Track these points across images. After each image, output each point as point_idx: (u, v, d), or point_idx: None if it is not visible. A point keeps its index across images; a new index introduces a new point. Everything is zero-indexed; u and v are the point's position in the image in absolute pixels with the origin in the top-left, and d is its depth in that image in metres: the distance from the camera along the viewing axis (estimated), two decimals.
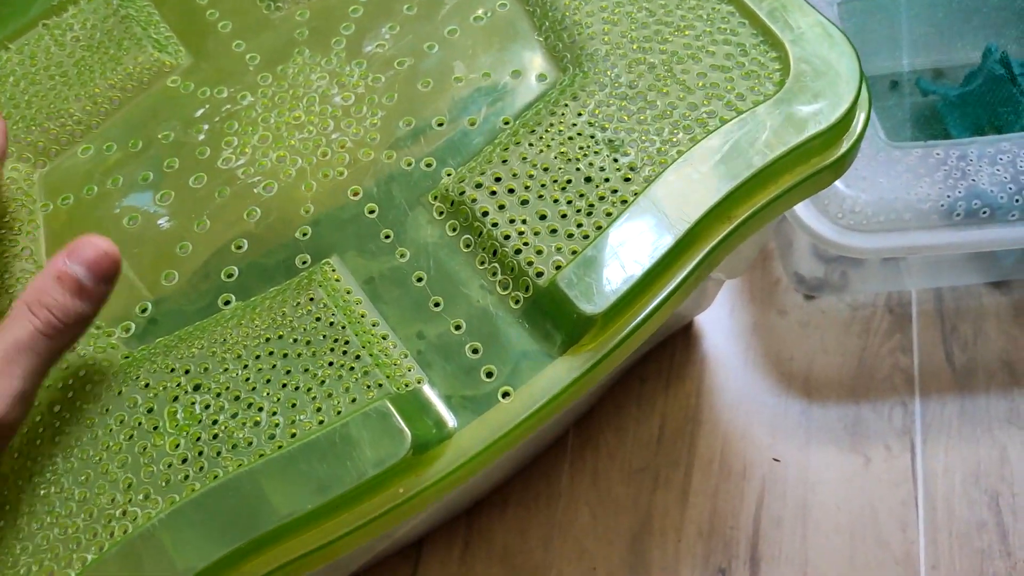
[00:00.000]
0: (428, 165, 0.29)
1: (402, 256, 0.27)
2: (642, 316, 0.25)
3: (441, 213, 0.28)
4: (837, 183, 0.34)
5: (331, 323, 0.26)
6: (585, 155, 0.28)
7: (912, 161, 0.38)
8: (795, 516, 0.40)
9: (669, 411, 0.43)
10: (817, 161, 0.27)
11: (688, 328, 0.45)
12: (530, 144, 0.28)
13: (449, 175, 0.28)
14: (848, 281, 0.45)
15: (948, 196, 0.37)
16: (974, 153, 0.38)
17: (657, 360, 0.44)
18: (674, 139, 0.27)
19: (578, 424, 0.42)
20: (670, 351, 0.44)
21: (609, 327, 0.25)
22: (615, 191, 0.27)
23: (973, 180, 0.37)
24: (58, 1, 0.33)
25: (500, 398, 0.25)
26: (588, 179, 0.27)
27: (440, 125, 0.29)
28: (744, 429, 0.42)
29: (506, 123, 0.29)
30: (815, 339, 0.44)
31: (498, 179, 0.27)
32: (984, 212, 0.37)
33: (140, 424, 0.24)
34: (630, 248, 0.25)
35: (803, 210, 0.38)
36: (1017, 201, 0.37)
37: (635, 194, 0.27)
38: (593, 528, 0.40)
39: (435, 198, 0.28)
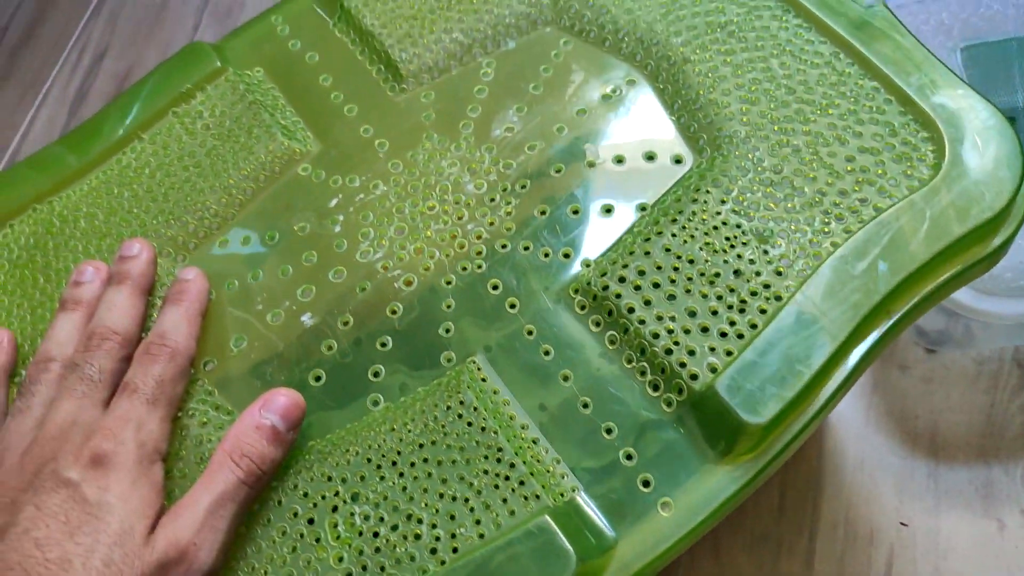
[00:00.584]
0: (566, 256, 0.28)
1: (546, 353, 0.27)
2: (805, 421, 0.24)
3: (583, 307, 0.27)
4: None
5: (483, 428, 0.25)
6: (732, 246, 0.27)
7: None
8: None
9: (789, 475, 0.42)
10: (977, 251, 0.26)
11: None
12: (673, 234, 0.27)
13: (588, 266, 0.28)
14: (972, 335, 0.43)
15: None
16: None
17: None
18: (826, 229, 0.26)
19: None
20: None
21: (772, 433, 0.24)
22: (767, 286, 0.26)
23: None
24: (186, 88, 0.33)
25: (659, 509, 0.24)
26: (737, 272, 0.26)
27: (575, 213, 0.29)
28: (869, 492, 0.41)
29: (643, 209, 0.29)
30: (940, 396, 0.43)
31: (642, 272, 0.27)
32: None
33: (302, 536, 0.24)
34: (789, 350, 0.25)
35: None
36: None
37: (790, 290, 0.26)
38: None
39: (576, 291, 0.27)
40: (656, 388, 0.26)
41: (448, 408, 0.26)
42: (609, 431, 0.25)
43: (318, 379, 0.27)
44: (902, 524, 0.40)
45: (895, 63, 0.29)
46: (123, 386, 0.26)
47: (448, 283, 0.28)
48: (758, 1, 0.31)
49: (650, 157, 0.30)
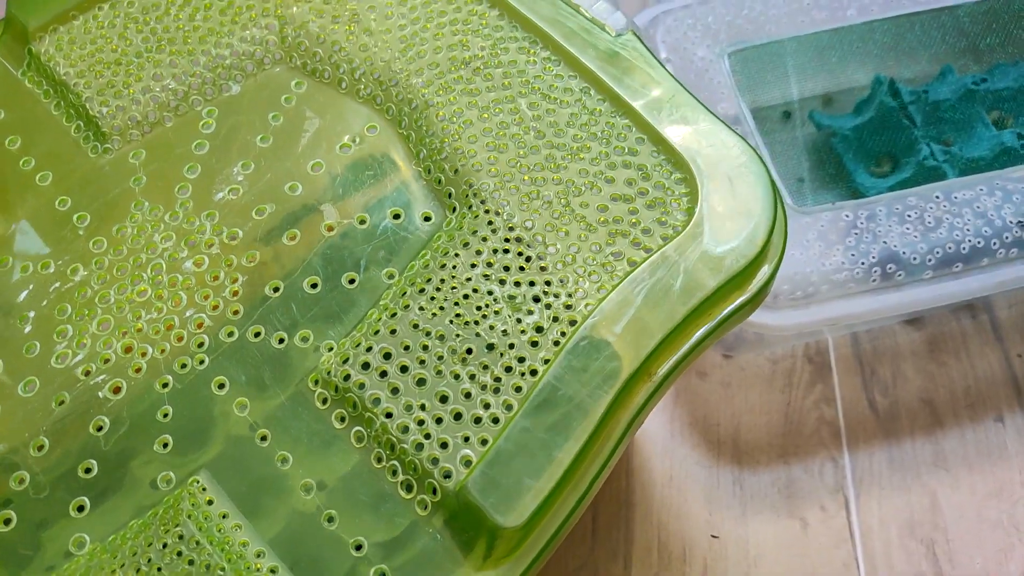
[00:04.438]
0: (304, 339, 0.25)
1: (283, 462, 0.23)
2: (568, 512, 0.22)
3: (325, 401, 0.24)
4: None
5: (207, 566, 0.22)
6: (485, 316, 0.24)
7: (823, 227, 0.36)
8: None
9: (600, 497, 0.41)
10: (736, 295, 0.25)
11: None
12: (421, 307, 0.24)
13: (331, 349, 0.25)
14: (763, 337, 0.43)
15: (862, 263, 0.35)
16: (883, 212, 0.36)
17: None
18: (580, 290, 0.24)
19: None
20: None
21: (532, 531, 0.22)
22: (522, 359, 0.24)
23: (885, 242, 0.36)
24: None
25: None
26: (490, 346, 0.24)
27: (314, 287, 0.25)
28: (679, 507, 0.41)
29: (391, 277, 0.26)
30: (739, 400, 0.43)
31: (388, 355, 0.24)
32: (899, 275, 0.35)
33: None
34: (546, 434, 0.23)
35: None
36: (930, 260, 0.35)
37: (546, 362, 0.23)
38: None
39: (316, 383, 0.24)
40: (409, 489, 0.23)
41: (165, 546, 0.22)
42: (359, 547, 0.23)
43: (7, 522, 0.23)
44: (713, 537, 0.40)
45: (645, 98, 0.27)
46: None
47: (164, 386, 0.24)
48: (504, 33, 0.28)
49: (396, 216, 0.26)
